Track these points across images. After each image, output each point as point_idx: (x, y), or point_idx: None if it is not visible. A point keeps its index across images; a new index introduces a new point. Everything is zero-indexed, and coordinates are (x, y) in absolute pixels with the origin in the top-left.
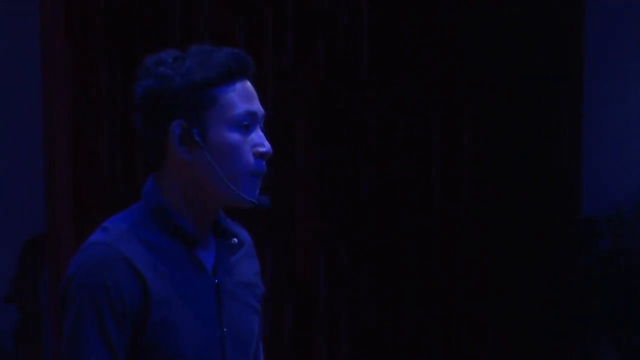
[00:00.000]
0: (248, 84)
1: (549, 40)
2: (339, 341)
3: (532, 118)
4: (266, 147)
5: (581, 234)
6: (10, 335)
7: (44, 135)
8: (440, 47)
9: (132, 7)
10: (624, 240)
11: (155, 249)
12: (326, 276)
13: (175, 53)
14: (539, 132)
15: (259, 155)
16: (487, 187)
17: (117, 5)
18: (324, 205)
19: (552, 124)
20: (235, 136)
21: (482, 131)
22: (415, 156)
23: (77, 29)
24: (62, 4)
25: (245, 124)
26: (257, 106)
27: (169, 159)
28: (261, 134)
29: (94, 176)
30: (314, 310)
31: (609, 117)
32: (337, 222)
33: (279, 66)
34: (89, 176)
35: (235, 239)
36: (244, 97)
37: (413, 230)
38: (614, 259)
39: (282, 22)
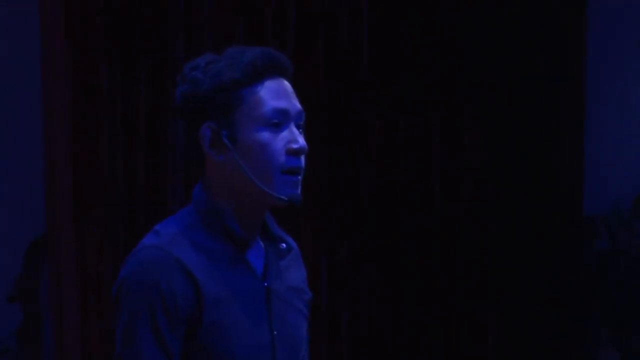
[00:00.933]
0: (281, 81)
1: (549, 40)
2: (339, 341)
3: (533, 118)
4: (299, 143)
5: (581, 233)
6: (14, 335)
7: (44, 135)
8: (440, 47)
9: (132, 7)
10: (622, 240)
11: (206, 251)
12: (327, 276)
13: (210, 57)
14: (540, 132)
15: (292, 152)
16: (487, 187)
17: (117, 5)
18: (324, 205)
19: (553, 124)
20: (264, 135)
21: (483, 131)
22: (415, 156)
23: (77, 29)
24: (62, 4)
25: (275, 121)
26: (288, 103)
27: (207, 163)
28: (295, 130)
29: (94, 176)
30: (315, 310)
31: (609, 117)
32: (338, 222)
33: None
34: (89, 176)
35: (284, 244)
36: (273, 94)
37: (413, 230)
38: (612, 259)
39: (283, 22)
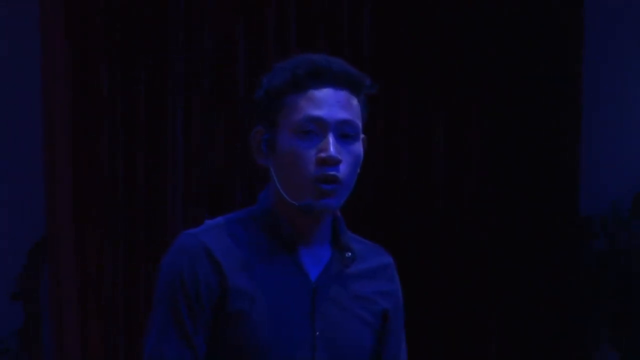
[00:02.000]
0: (327, 91)
1: (547, 41)
2: None
3: (531, 118)
4: (327, 152)
5: (580, 233)
6: (15, 335)
7: (44, 135)
8: (440, 47)
9: (132, 7)
10: (621, 240)
11: (246, 244)
12: None
13: (283, 61)
14: (538, 132)
15: (320, 161)
16: (487, 186)
17: (117, 5)
18: None
19: (551, 124)
20: (296, 142)
21: (482, 131)
22: (416, 156)
23: (77, 29)
24: (62, 4)
25: (308, 129)
26: (327, 112)
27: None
28: (330, 139)
29: (94, 176)
30: None
31: (607, 117)
32: None
33: None
34: (89, 176)
35: (349, 253)
36: (311, 103)
37: (413, 230)
38: (612, 259)
39: (283, 22)
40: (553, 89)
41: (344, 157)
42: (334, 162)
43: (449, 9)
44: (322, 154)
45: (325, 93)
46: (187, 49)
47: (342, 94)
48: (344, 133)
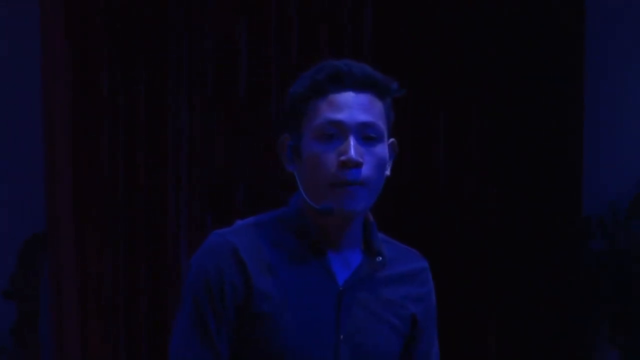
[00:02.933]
0: (347, 95)
1: (548, 41)
2: None
3: (532, 118)
4: (347, 155)
5: (580, 233)
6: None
7: (44, 135)
8: (441, 47)
9: (132, 6)
10: (620, 240)
11: (277, 246)
12: None
13: (308, 71)
14: (540, 132)
15: (340, 164)
16: (487, 187)
17: (117, 5)
18: None
19: (552, 124)
20: (317, 147)
21: (482, 131)
22: (417, 156)
23: (77, 29)
24: (62, 3)
25: (329, 133)
26: (347, 115)
27: None
28: (351, 142)
29: (94, 176)
30: None
31: (608, 117)
32: None
33: (282, 66)
34: (89, 176)
35: (380, 258)
36: (332, 107)
37: (414, 230)
38: (612, 258)
39: (284, 22)
40: (555, 89)
41: (366, 160)
42: (354, 165)
43: (449, 9)
44: (343, 157)
45: (345, 97)
46: (188, 49)
47: (364, 97)
48: (366, 135)
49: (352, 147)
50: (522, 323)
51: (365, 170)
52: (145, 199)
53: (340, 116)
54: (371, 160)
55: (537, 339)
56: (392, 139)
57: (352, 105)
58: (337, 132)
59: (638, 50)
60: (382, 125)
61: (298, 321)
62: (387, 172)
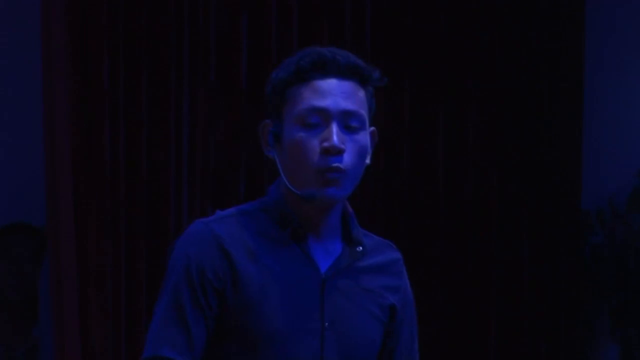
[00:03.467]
0: (330, 81)
1: (548, 37)
2: None
3: (532, 114)
4: (329, 141)
5: (580, 228)
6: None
7: (45, 131)
8: (442, 41)
9: (133, 2)
10: (619, 234)
11: (259, 235)
12: None
13: (291, 56)
14: (539, 126)
15: (323, 151)
16: (487, 181)
17: (119, 1)
18: None
19: (552, 119)
20: (298, 133)
21: (484, 127)
22: (417, 150)
23: (78, 21)
24: None
25: (311, 119)
26: (330, 102)
27: None
28: (334, 129)
29: (95, 173)
30: None
31: (607, 112)
32: None
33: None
34: (90, 173)
35: (360, 247)
36: (314, 94)
37: (414, 224)
38: (610, 252)
39: (286, 15)
40: (554, 84)
41: (348, 147)
42: (336, 152)
43: (451, 4)
44: (325, 144)
45: (329, 84)
46: (189, 41)
47: (347, 85)
48: (349, 124)
49: (335, 134)
50: (521, 316)
51: (347, 158)
52: (146, 192)
53: (323, 103)
54: (353, 147)
55: (536, 332)
56: (372, 128)
57: (336, 93)
58: (319, 118)
59: (637, 45)
60: (364, 113)
61: (283, 309)
62: (368, 161)
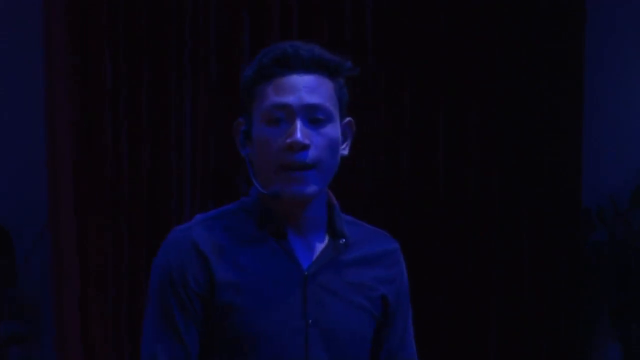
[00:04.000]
0: (291, 77)
1: (549, 35)
2: None
3: (533, 112)
4: (293, 137)
5: (580, 225)
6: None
7: (47, 131)
8: (443, 40)
9: (133, 2)
10: (619, 232)
11: (238, 236)
12: None
13: (258, 54)
14: (540, 124)
15: (286, 147)
16: (489, 178)
17: (119, 1)
18: None
19: (553, 117)
20: (265, 130)
21: (485, 126)
22: (418, 149)
23: (79, 21)
24: None
25: (276, 116)
26: (292, 98)
27: None
28: (298, 124)
29: (96, 173)
30: None
31: (608, 109)
32: None
33: None
34: (92, 173)
35: (343, 240)
36: (277, 90)
37: (414, 222)
38: (611, 250)
39: (288, 13)
40: (555, 82)
41: (314, 141)
42: (300, 147)
43: (451, 4)
44: (289, 140)
45: (291, 79)
46: (191, 41)
47: (311, 79)
48: (314, 118)
49: (299, 130)
50: (522, 314)
51: (314, 152)
52: (148, 189)
53: (286, 99)
54: (320, 141)
55: (537, 329)
56: (348, 118)
57: (299, 88)
58: (284, 115)
59: (637, 45)
60: (330, 106)
61: (265, 308)
62: (345, 152)
